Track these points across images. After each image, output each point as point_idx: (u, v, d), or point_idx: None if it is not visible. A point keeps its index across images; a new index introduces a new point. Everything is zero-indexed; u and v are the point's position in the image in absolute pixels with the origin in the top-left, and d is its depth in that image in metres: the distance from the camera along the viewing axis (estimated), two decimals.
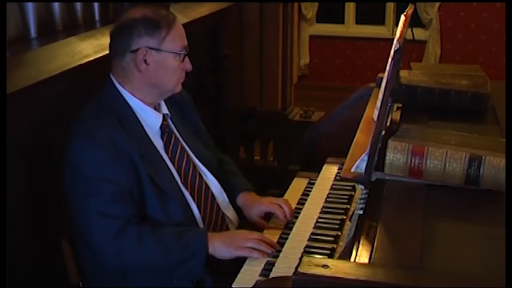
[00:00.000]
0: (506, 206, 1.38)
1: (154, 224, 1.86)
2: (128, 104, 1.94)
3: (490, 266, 1.24)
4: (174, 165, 1.98)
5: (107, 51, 2.02)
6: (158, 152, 1.96)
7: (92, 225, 1.80)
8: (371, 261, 1.27)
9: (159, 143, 1.98)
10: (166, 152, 1.99)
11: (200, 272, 1.84)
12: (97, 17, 2.64)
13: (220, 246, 1.86)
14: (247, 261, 1.83)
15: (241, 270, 1.78)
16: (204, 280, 1.88)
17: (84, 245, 1.89)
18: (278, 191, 2.40)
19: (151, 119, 1.97)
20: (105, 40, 2.32)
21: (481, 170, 1.52)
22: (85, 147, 1.82)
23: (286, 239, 1.93)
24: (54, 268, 1.99)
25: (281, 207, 2.07)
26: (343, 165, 1.74)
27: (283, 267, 1.76)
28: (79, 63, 2.18)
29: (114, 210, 1.80)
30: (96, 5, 2.64)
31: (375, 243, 1.32)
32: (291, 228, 1.99)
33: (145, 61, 1.90)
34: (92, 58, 2.24)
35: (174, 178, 1.96)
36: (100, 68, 2.10)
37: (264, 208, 2.10)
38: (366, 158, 1.59)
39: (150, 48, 1.89)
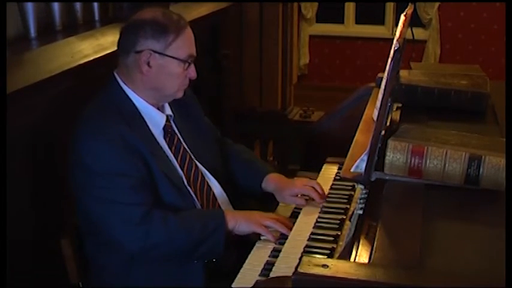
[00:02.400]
0: (506, 206, 1.38)
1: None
2: (132, 102, 1.94)
3: (490, 266, 1.24)
4: (178, 165, 1.98)
5: (107, 51, 2.02)
6: (165, 151, 1.97)
7: (115, 215, 1.80)
8: (371, 261, 1.27)
9: (162, 143, 1.98)
10: (170, 152, 1.99)
11: (221, 249, 1.88)
12: (97, 17, 2.64)
13: (241, 221, 1.93)
14: (247, 261, 1.83)
15: (241, 270, 1.78)
16: (223, 259, 1.92)
17: (94, 240, 1.91)
18: None
19: (155, 119, 1.97)
20: (105, 40, 2.33)
21: (481, 169, 1.52)
22: (95, 144, 1.81)
23: (286, 238, 1.93)
24: (54, 268, 2.00)
25: (315, 190, 2.10)
26: (342, 165, 1.75)
27: (283, 267, 1.76)
28: (79, 63, 2.18)
29: (135, 199, 1.82)
30: (95, 5, 2.64)
31: (375, 243, 1.32)
32: (290, 228, 1.99)
33: (148, 63, 1.89)
34: (91, 58, 2.24)
35: (181, 177, 1.97)
36: (100, 68, 2.11)
37: (297, 190, 2.12)
38: (365, 157, 1.59)
39: (154, 52, 1.89)
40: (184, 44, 1.92)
